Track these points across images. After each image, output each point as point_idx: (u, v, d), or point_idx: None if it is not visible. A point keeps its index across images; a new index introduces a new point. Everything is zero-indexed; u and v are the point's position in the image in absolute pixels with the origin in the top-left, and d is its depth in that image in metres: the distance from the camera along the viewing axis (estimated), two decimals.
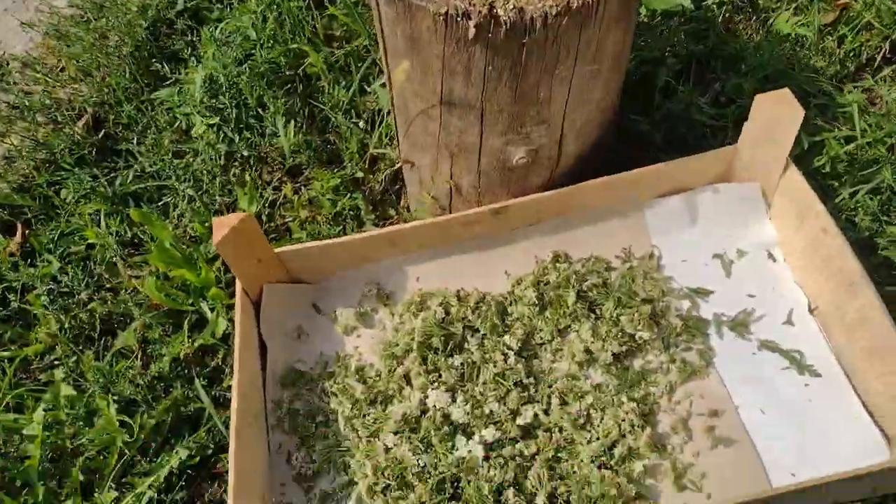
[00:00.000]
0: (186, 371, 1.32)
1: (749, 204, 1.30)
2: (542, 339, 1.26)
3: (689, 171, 1.28)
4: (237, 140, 1.55)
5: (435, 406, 1.17)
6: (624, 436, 1.13)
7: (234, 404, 1.11)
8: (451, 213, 1.36)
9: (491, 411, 1.16)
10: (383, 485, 1.12)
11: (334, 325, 1.34)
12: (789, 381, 1.16)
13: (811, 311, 1.22)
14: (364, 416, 1.20)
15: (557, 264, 1.33)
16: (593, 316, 1.26)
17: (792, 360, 1.17)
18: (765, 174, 1.26)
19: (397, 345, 1.26)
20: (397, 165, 1.37)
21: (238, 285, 1.25)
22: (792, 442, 1.10)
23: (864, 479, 0.97)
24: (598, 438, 1.13)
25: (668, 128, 1.43)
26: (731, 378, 1.17)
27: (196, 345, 1.29)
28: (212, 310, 1.34)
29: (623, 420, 1.14)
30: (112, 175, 1.58)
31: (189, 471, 1.25)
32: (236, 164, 1.57)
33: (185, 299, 1.36)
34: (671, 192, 1.33)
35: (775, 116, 1.15)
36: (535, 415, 1.16)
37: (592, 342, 1.22)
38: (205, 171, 1.55)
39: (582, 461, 1.11)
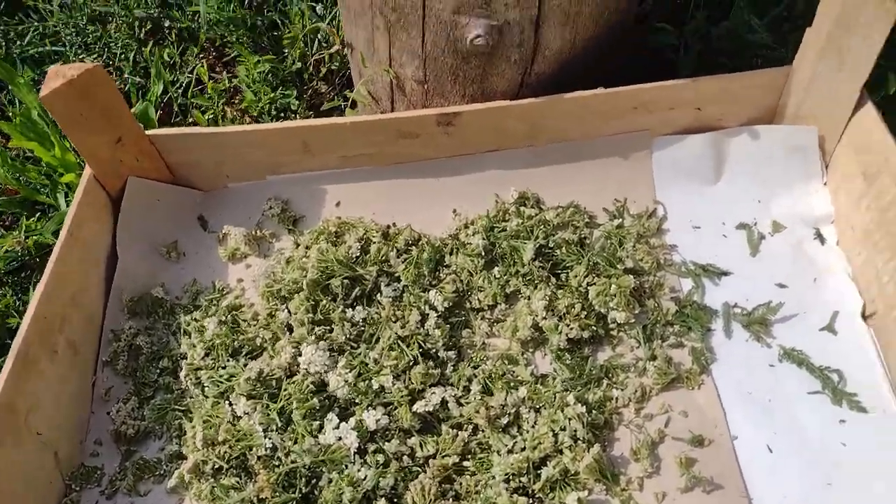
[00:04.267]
0: (28, 278, 1.02)
1: (799, 157, 0.93)
2: (480, 303, 0.92)
3: (720, 96, 0.91)
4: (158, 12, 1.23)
5: (307, 369, 0.83)
6: (560, 451, 0.78)
7: (26, 319, 0.80)
8: None
9: (382, 387, 0.82)
10: (215, 465, 0.80)
11: (219, 246, 1.02)
12: (817, 413, 0.79)
13: (865, 317, 0.84)
14: (218, 367, 0.88)
15: (522, 208, 0.98)
16: (554, 282, 0.91)
17: (825, 383, 0.80)
18: (827, 112, 0.88)
19: (284, 280, 0.93)
20: (333, 49, 1.02)
21: (87, 170, 0.93)
22: (807, 502, 0.73)
23: None
24: (522, 449, 0.79)
25: (704, 50, 1.06)
26: (731, 394, 0.81)
27: (31, 241, 0.97)
28: (70, 204, 1.03)
29: (563, 429, 0.79)
30: (18, 30, 1.28)
31: None
32: (160, 40, 1.25)
33: (42, 186, 1.05)
34: (692, 129, 0.96)
35: (852, 14, 0.77)
36: (444, 402, 0.83)
37: (545, 318, 0.87)
38: (119, 42, 1.23)
39: (493, 477, 0.77)
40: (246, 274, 1.00)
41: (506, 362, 0.87)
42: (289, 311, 0.91)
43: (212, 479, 0.80)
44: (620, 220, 0.97)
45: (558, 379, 0.84)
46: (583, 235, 0.96)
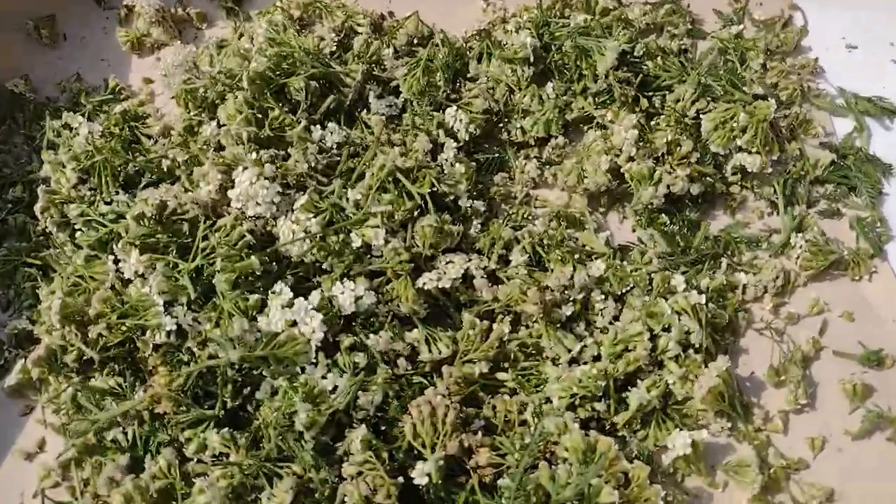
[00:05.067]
0: None
1: None
2: (524, 133, 0.59)
3: None
4: None
5: (242, 208, 0.50)
6: (660, 364, 0.48)
7: None
8: None
9: (367, 247, 0.50)
10: (82, 356, 0.47)
11: (120, 29, 0.66)
12: None
13: None
14: (99, 201, 0.54)
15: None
16: (645, 107, 0.58)
17: None
18: None
19: (218, 77, 0.58)
20: None
21: None
22: None
23: None
24: (596, 356, 0.48)
25: None
26: None
27: None
28: None
29: (666, 328, 0.48)
30: None
31: None
32: None
33: None
34: None
35: None
36: (468, 278, 0.50)
37: (633, 159, 0.55)
38: None
39: (547, 401, 0.46)
40: (157, 71, 0.65)
41: (564, 223, 0.55)
42: (218, 124, 0.56)
43: (76, 378, 0.48)
44: (741, 27, 0.64)
45: (649, 253, 0.53)
46: (683, 46, 0.63)
